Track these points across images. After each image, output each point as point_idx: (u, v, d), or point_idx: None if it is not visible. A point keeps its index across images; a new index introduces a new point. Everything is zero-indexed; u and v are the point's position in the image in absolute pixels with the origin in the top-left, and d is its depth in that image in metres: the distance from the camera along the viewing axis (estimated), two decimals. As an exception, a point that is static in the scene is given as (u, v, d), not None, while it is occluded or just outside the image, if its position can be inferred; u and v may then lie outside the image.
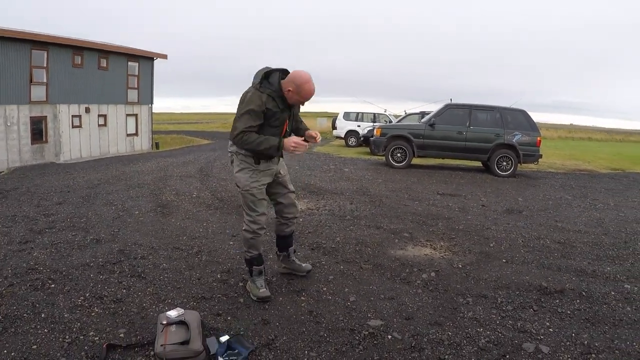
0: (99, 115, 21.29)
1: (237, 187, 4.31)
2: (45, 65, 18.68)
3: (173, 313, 3.49)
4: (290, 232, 4.78)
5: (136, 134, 23.74)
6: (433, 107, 17.58)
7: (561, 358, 3.51)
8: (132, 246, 5.71)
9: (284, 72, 4.19)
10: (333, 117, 29.43)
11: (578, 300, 4.59)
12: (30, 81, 18.47)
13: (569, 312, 4.32)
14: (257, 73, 4.17)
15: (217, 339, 3.39)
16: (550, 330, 3.96)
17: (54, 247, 5.57)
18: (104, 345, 3.30)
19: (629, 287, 5.02)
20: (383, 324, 3.92)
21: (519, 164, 14.61)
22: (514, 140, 14.36)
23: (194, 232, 6.43)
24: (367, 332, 3.77)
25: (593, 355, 3.57)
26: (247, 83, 4.21)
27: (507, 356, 3.50)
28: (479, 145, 14.53)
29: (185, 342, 3.19)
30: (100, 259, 5.17)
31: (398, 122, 21.07)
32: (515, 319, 4.14)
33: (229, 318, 3.92)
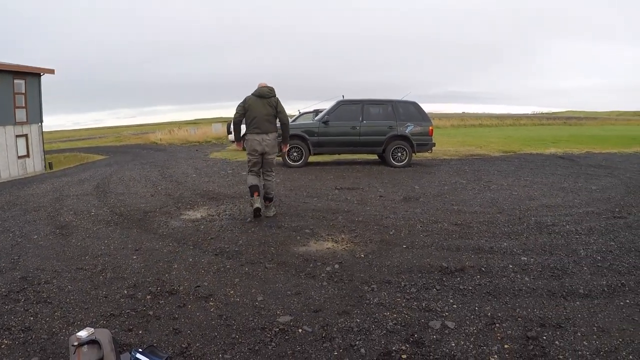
0: (-13, 139, 20.18)
1: (272, 155, 7.73)
2: None
3: (83, 333, 3.44)
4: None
5: (27, 155, 22.64)
6: (326, 105, 17.75)
7: (467, 331, 3.78)
8: (34, 272, 5.52)
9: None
10: (227, 122, 29.02)
11: (478, 276, 4.93)
12: None
13: (470, 287, 4.64)
14: (270, 88, 7.59)
15: (130, 353, 3.39)
16: (454, 306, 4.24)
17: (-51, 281, 5.30)
18: (16, 375, 3.24)
19: (525, 259, 5.43)
20: (292, 319, 4.06)
21: (413, 154, 15.04)
22: (406, 131, 14.77)
23: (96, 251, 6.28)
24: (277, 329, 3.89)
25: (497, 324, 3.86)
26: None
27: (416, 335, 3.72)
28: (373, 138, 14.84)
29: (99, 361, 3.17)
30: (2, 289, 4.97)
31: (292, 121, 21.16)
32: (419, 300, 4.39)
33: (140, 332, 3.92)
